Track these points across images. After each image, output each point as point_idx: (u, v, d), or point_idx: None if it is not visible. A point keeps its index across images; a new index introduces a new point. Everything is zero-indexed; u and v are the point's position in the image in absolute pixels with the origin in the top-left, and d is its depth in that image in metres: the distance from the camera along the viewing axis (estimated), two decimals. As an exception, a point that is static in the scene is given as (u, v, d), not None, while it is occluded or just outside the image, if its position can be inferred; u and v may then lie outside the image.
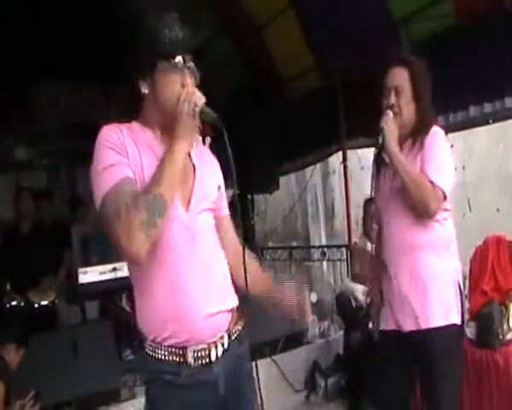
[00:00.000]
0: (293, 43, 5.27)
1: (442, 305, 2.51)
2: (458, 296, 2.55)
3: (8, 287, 4.51)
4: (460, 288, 2.56)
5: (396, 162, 2.49)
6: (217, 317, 1.75)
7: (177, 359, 1.70)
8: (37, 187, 6.02)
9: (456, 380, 2.60)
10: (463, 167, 7.07)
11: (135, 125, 1.77)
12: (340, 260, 6.45)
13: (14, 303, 4.50)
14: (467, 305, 3.95)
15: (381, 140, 2.52)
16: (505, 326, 3.61)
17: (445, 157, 2.54)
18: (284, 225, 7.70)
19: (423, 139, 2.55)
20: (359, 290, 4.53)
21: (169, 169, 1.62)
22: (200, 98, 1.68)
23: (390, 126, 2.52)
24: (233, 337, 1.82)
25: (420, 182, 2.44)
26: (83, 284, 4.44)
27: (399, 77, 2.58)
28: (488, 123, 4.33)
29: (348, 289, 4.79)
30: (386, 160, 2.58)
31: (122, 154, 1.65)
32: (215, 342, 1.75)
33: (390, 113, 2.55)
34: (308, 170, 6.81)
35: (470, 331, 3.73)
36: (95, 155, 1.67)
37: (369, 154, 3.49)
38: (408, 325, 2.55)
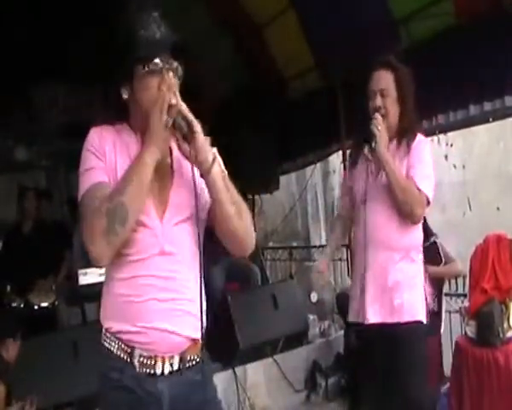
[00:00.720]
0: (294, 43, 5.26)
1: (410, 306, 2.68)
2: (424, 298, 2.75)
3: (9, 288, 4.51)
4: (425, 290, 2.77)
5: (387, 168, 2.59)
6: (166, 335, 1.69)
7: (124, 356, 1.69)
8: (36, 187, 6.01)
9: (422, 371, 2.76)
10: (463, 166, 7.07)
11: (124, 127, 1.78)
12: (340, 259, 6.46)
13: (14, 305, 4.50)
14: (467, 303, 3.96)
15: (374, 145, 2.61)
16: (505, 325, 3.60)
17: (430, 165, 2.67)
18: (284, 224, 7.71)
19: (409, 142, 2.67)
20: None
21: (136, 177, 1.60)
22: (175, 108, 1.63)
23: (382, 132, 2.61)
24: (187, 365, 1.74)
25: (408, 188, 2.57)
26: (83, 286, 4.45)
27: (385, 80, 2.68)
28: (488, 122, 4.33)
29: (348, 288, 4.79)
30: (369, 156, 2.72)
31: (100, 158, 1.69)
32: (163, 358, 1.71)
33: (379, 117, 2.63)
34: (308, 169, 6.82)
35: (470, 330, 3.73)
36: (81, 156, 1.74)
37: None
38: (373, 318, 2.71)
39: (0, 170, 6.48)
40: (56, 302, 4.75)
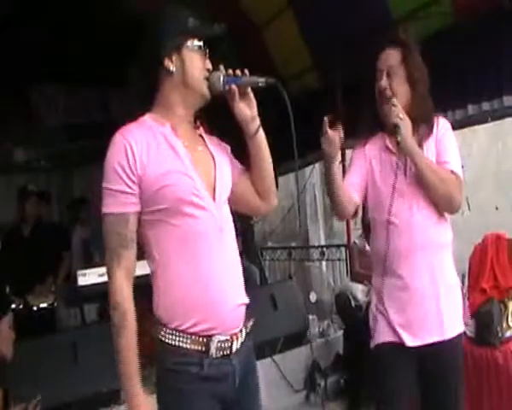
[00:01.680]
0: (292, 44, 5.27)
1: (460, 311, 2.40)
2: (464, 303, 2.45)
3: (8, 290, 4.51)
4: (463, 294, 2.45)
5: (417, 160, 2.29)
6: (240, 308, 1.80)
7: (200, 348, 1.70)
8: (36, 189, 6.01)
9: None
10: (462, 166, 7.06)
11: (149, 119, 1.78)
12: (339, 259, 6.48)
13: (13, 306, 4.49)
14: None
15: (399, 139, 2.27)
16: (504, 324, 3.61)
17: (455, 150, 2.46)
18: (283, 225, 7.71)
19: (430, 126, 2.40)
20: (359, 290, 4.54)
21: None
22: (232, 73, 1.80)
23: (405, 121, 2.30)
24: (248, 331, 1.86)
25: (446, 177, 2.33)
26: (82, 287, 4.44)
27: (391, 58, 2.39)
28: (487, 121, 4.33)
29: (348, 288, 4.79)
30: (392, 149, 2.40)
31: (128, 183, 1.68)
32: (236, 334, 1.78)
33: (395, 101, 2.31)
34: (307, 170, 6.81)
35: (470, 330, 3.73)
36: (105, 164, 1.71)
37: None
38: (426, 337, 2.30)
39: (-1, 171, 6.49)
40: (55, 303, 4.75)
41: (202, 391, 1.72)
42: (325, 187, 2.55)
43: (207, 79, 1.78)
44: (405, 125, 2.29)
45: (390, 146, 2.42)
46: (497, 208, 7.08)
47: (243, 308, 1.83)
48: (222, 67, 1.81)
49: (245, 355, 1.83)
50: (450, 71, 3.91)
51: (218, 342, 1.72)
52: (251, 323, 1.89)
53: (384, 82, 2.37)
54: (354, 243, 4.96)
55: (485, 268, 3.80)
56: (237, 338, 1.78)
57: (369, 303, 2.81)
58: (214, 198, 1.76)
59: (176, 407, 1.73)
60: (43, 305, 4.66)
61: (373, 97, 2.42)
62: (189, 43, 1.76)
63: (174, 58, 1.75)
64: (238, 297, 1.79)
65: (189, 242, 1.69)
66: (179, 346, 1.70)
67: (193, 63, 1.76)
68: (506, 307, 3.66)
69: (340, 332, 4.92)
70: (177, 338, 1.70)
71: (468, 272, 3.99)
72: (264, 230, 7.80)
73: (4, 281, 4.56)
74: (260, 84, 1.81)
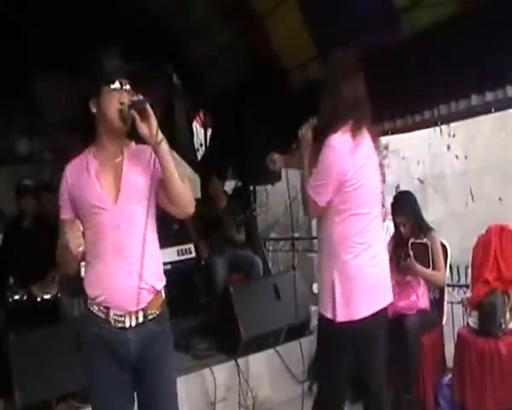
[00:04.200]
0: (295, 33, 5.24)
1: (321, 298, 2.91)
2: (333, 296, 2.78)
3: (12, 281, 4.52)
4: (334, 288, 2.76)
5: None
6: (134, 291, 2.21)
7: (103, 316, 2.25)
8: (37, 180, 6.01)
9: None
10: (466, 157, 7.06)
11: (89, 148, 2.36)
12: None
13: (16, 297, 4.50)
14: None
15: (294, 146, 2.96)
16: (508, 315, 3.62)
17: (321, 168, 2.73)
18: (286, 215, 7.70)
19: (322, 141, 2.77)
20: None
21: (64, 257, 2.22)
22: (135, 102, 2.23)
23: (303, 141, 2.92)
24: (149, 317, 2.28)
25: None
26: (85, 277, 4.44)
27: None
28: (490, 112, 4.31)
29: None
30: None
31: (67, 198, 2.33)
32: (130, 314, 2.24)
33: (311, 122, 2.98)
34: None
35: (473, 321, 3.74)
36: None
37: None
38: None
39: (2, 162, 6.48)
40: (59, 294, 4.75)
41: (103, 349, 2.26)
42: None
43: (120, 111, 2.23)
44: (301, 138, 2.96)
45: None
46: (500, 199, 7.07)
47: (140, 292, 2.23)
48: (127, 101, 2.24)
49: (148, 337, 2.27)
50: (453, 60, 3.88)
51: (114, 315, 2.24)
52: (156, 311, 2.31)
53: None
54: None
55: (489, 259, 3.80)
56: (131, 317, 2.24)
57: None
58: (116, 201, 2.25)
59: (87, 358, 2.36)
60: (47, 296, 4.66)
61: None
62: (104, 87, 2.25)
63: (94, 101, 2.29)
64: (134, 282, 2.21)
65: (96, 233, 2.24)
66: (92, 312, 2.28)
67: (107, 103, 2.25)
68: (509, 298, 3.66)
69: (343, 323, 4.92)
70: (91, 307, 2.28)
71: (472, 262, 3.99)
72: (268, 220, 7.79)
73: (8, 272, 4.58)
74: (143, 102, 2.21)
